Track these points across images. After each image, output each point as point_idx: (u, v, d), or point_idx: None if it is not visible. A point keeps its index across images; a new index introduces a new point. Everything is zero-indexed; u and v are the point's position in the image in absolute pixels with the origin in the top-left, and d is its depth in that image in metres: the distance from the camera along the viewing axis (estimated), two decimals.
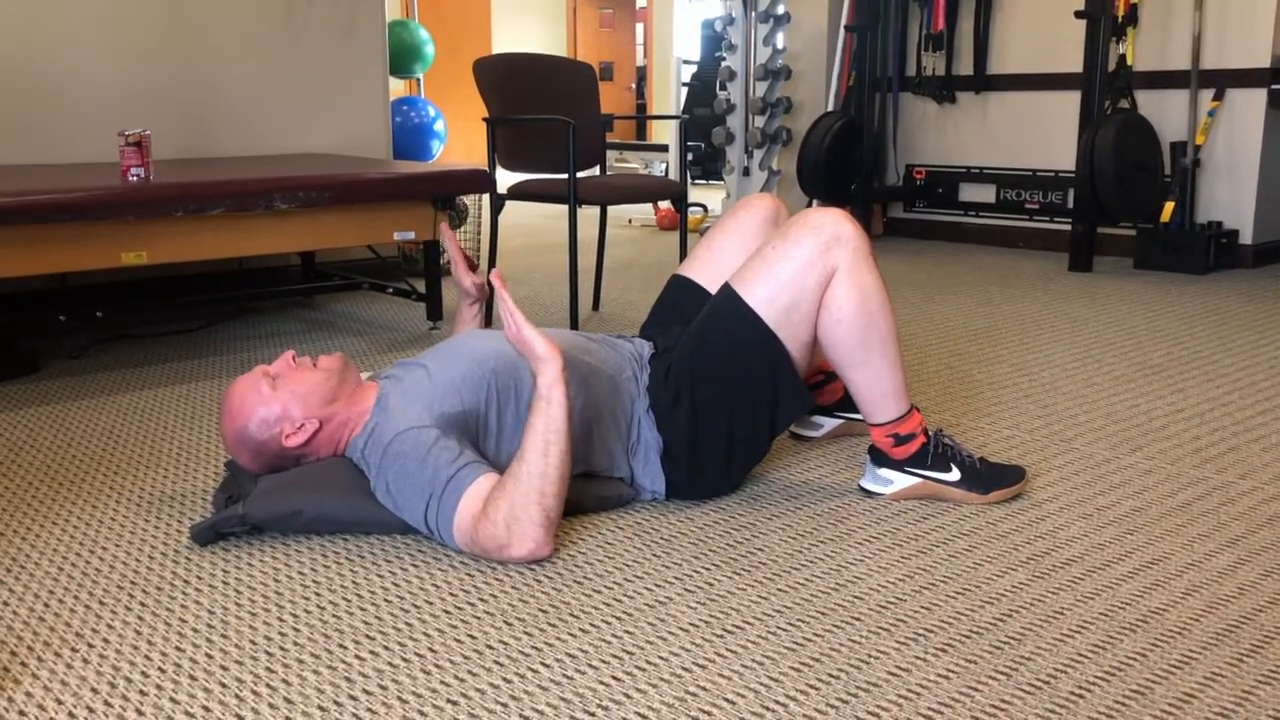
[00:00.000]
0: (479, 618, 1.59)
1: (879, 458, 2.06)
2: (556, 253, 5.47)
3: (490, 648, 1.50)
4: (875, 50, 5.73)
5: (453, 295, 4.21)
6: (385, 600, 1.64)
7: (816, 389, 2.39)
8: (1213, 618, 1.59)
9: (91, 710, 1.34)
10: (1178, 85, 4.95)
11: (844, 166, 5.61)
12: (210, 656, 1.47)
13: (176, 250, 2.96)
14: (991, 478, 2.05)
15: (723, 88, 5.95)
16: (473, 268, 2.29)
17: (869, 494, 2.08)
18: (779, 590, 1.68)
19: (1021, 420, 2.58)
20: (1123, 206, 4.74)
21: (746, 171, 5.92)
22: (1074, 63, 5.11)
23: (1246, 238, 4.91)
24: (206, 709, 1.34)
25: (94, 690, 1.39)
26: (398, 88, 7.41)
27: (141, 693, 1.38)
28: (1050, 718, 1.33)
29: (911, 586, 1.69)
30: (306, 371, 1.92)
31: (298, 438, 1.89)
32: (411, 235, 3.39)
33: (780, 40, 5.80)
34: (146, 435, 2.48)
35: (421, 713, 1.34)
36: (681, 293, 2.26)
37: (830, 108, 5.90)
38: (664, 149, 8.78)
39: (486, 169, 3.52)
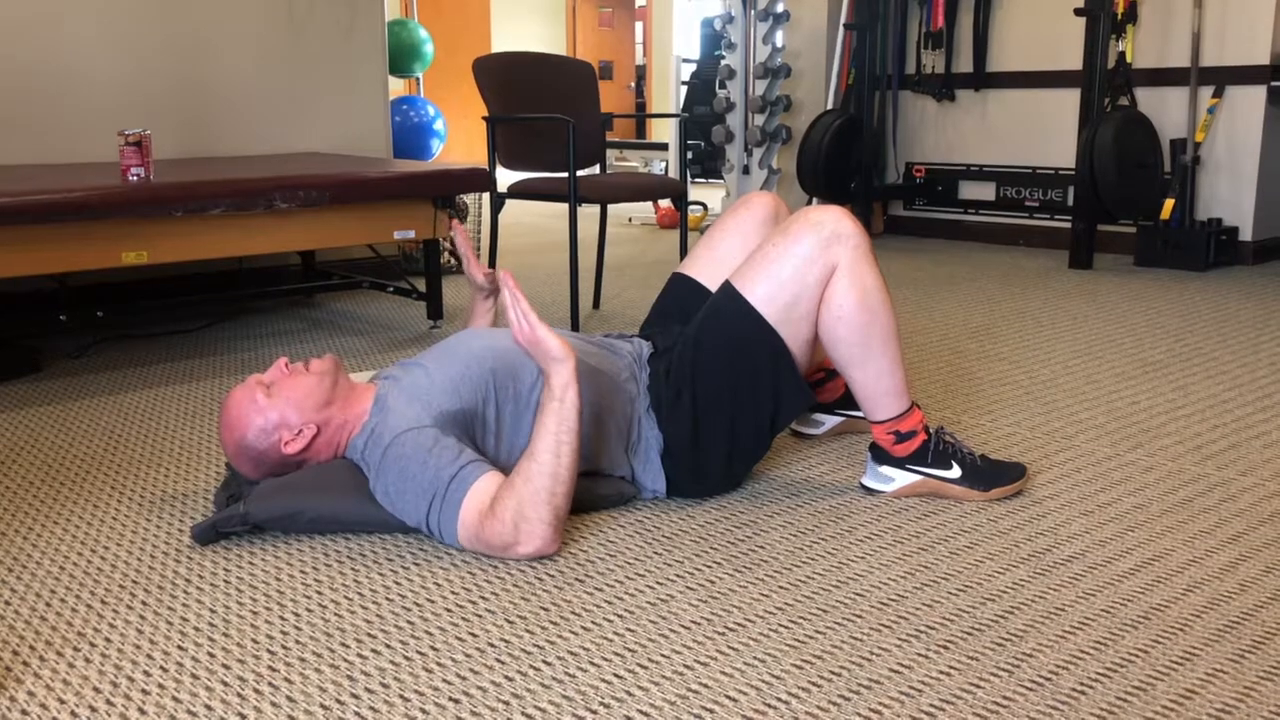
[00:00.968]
0: (480, 616, 1.59)
1: (880, 455, 2.06)
2: (556, 251, 5.47)
3: (491, 646, 1.50)
4: (875, 48, 5.73)
5: (453, 294, 4.21)
6: (387, 599, 1.64)
7: (817, 387, 2.39)
8: (1214, 614, 1.59)
9: (94, 709, 1.34)
10: (1177, 82, 4.95)
11: (844, 165, 5.61)
12: (212, 655, 1.48)
13: (177, 250, 2.96)
14: (992, 475, 2.05)
15: (722, 86, 5.95)
16: None
17: (870, 491, 2.08)
18: (780, 588, 1.68)
19: (1022, 417, 2.58)
20: (1123, 204, 4.74)
21: (746, 170, 5.92)
22: (1074, 60, 5.11)
23: (1246, 234, 4.91)
24: (209, 708, 1.35)
25: (96, 689, 1.39)
26: (397, 87, 7.41)
27: (144, 692, 1.38)
28: (1052, 714, 1.33)
29: (912, 584, 1.70)
30: (300, 377, 1.92)
31: (296, 444, 1.89)
32: (412, 234, 3.39)
33: (780, 38, 5.80)
34: (148, 435, 2.48)
35: (423, 710, 1.34)
36: (682, 291, 2.27)
37: (830, 106, 5.90)
38: (664, 147, 8.78)
39: (486, 168, 3.52)
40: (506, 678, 1.42)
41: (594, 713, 1.33)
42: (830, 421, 2.43)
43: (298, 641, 1.51)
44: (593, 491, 1.97)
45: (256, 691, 1.38)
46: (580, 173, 3.45)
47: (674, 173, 7.50)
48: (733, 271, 2.01)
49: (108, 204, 2.77)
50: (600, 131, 3.88)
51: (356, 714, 1.33)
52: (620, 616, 1.59)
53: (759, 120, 5.83)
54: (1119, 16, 4.89)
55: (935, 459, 2.03)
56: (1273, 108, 4.77)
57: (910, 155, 5.97)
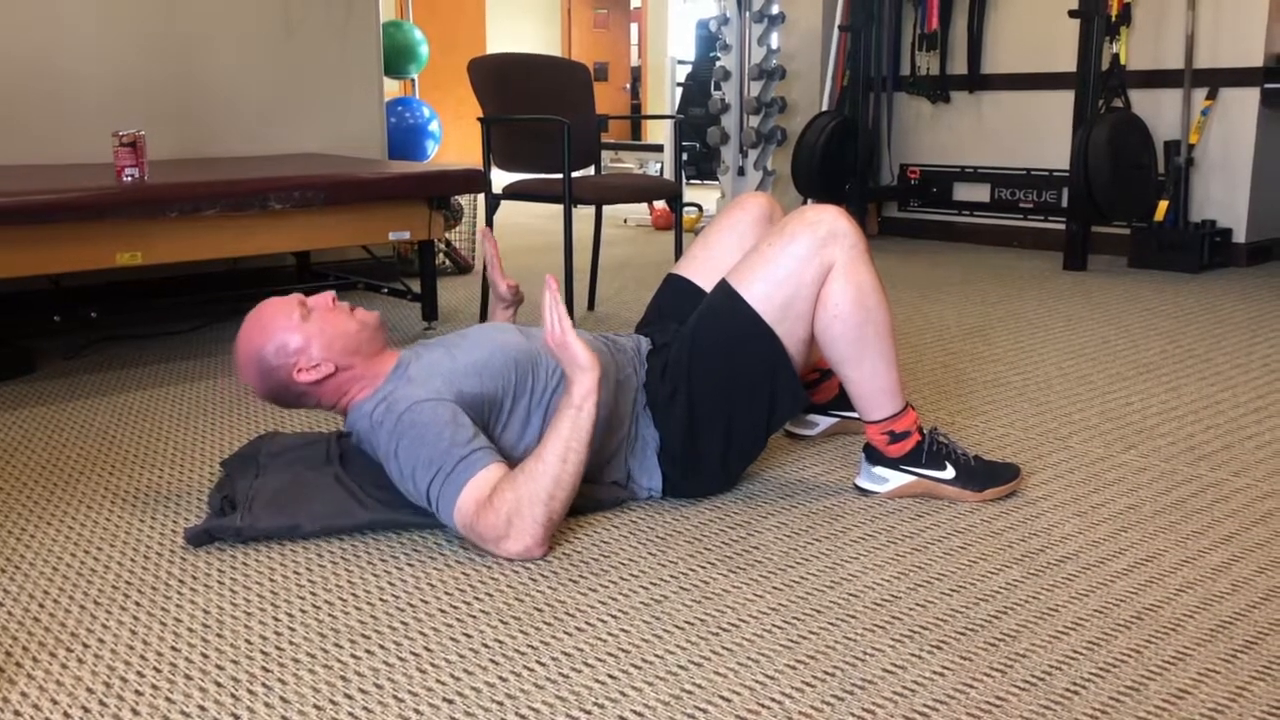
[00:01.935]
0: (474, 617, 1.59)
1: (874, 456, 2.07)
2: (552, 252, 5.47)
3: (486, 646, 1.50)
4: (869, 50, 5.74)
5: (448, 295, 4.21)
6: (381, 600, 1.64)
7: (811, 387, 2.39)
8: (1206, 614, 1.59)
9: (87, 710, 1.34)
10: (1171, 84, 4.96)
11: (839, 166, 5.61)
12: (206, 656, 1.47)
13: (171, 251, 2.96)
14: (986, 475, 2.05)
15: (717, 88, 5.95)
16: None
17: (864, 492, 2.09)
18: (774, 588, 1.68)
19: (1016, 418, 2.58)
20: (1117, 205, 4.75)
21: (741, 171, 5.92)
22: (1068, 62, 5.12)
23: (1240, 236, 4.92)
24: (202, 709, 1.34)
25: (89, 690, 1.39)
26: (392, 88, 7.40)
27: (137, 692, 1.38)
28: (1044, 714, 1.33)
29: (906, 584, 1.70)
30: (341, 316, 1.93)
31: (309, 375, 1.89)
32: (407, 235, 3.39)
33: (775, 40, 5.81)
34: (141, 435, 2.48)
35: (417, 711, 1.34)
36: (677, 292, 2.27)
37: (825, 107, 5.90)
38: (659, 149, 8.78)
39: (482, 169, 3.52)
40: (500, 678, 1.42)
41: (588, 713, 1.33)
42: (824, 422, 2.44)
43: (291, 642, 1.51)
44: (587, 495, 1.97)
45: (250, 692, 1.38)
46: (575, 174, 3.45)
47: (669, 174, 7.50)
48: (728, 271, 2.01)
49: (102, 205, 2.77)
50: (595, 133, 3.88)
51: (350, 714, 1.33)
52: (614, 617, 1.59)
53: (754, 122, 5.84)
54: (1113, 18, 4.90)
55: (929, 460, 2.03)
56: (1266, 109, 4.79)
57: (905, 157, 5.98)
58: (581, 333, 1.97)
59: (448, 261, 4.84)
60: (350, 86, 4.34)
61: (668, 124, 7.18)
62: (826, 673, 1.43)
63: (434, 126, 5.94)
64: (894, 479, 2.06)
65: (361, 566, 1.76)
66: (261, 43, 4.07)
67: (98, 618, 1.59)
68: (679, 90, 8.25)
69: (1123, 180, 4.69)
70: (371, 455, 1.90)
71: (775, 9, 5.73)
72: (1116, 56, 4.91)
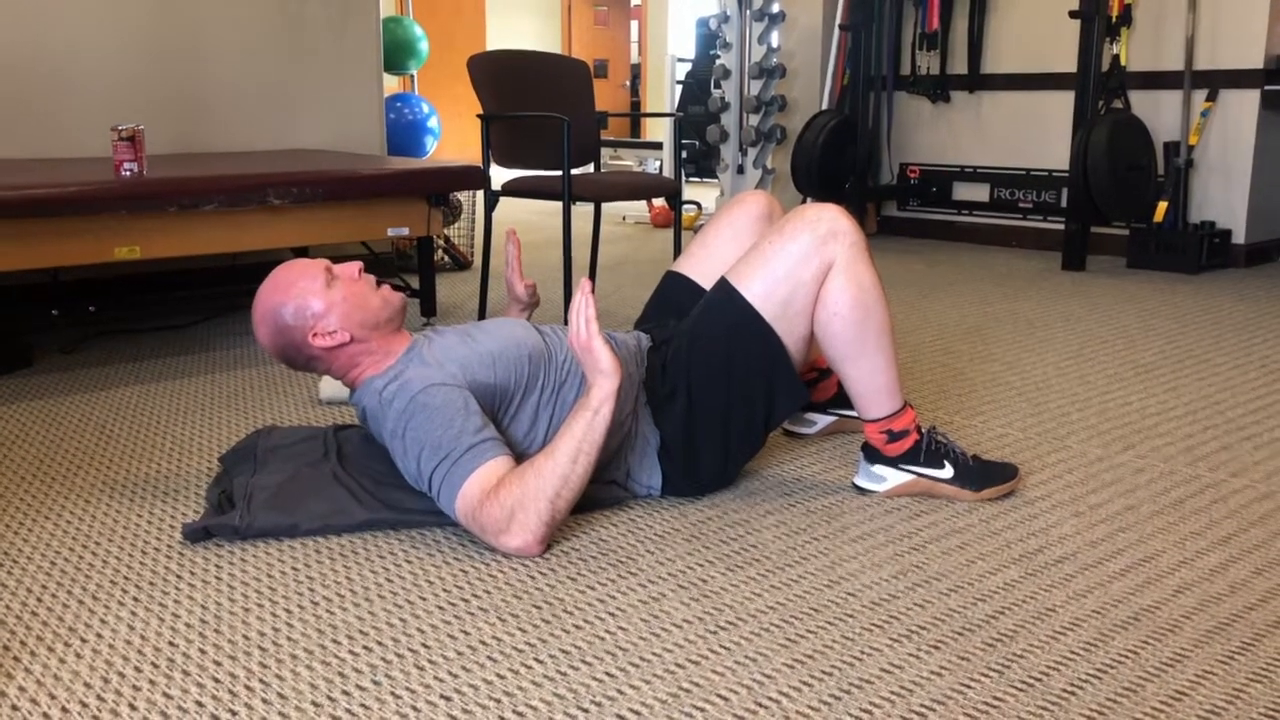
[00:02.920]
0: (472, 614, 1.59)
1: (872, 454, 2.07)
2: (550, 249, 5.46)
3: (483, 644, 1.50)
4: (870, 49, 5.73)
5: (447, 291, 4.20)
6: (379, 596, 1.64)
7: (810, 386, 2.39)
8: (1204, 615, 1.59)
9: (84, 704, 1.34)
10: (1171, 85, 4.96)
11: (838, 165, 5.61)
12: (203, 651, 1.47)
13: (169, 245, 2.95)
14: (984, 475, 2.05)
15: (717, 86, 5.95)
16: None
17: (862, 491, 2.09)
18: (772, 587, 1.68)
19: (1014, 418, 2.58)
20: (1116, 206, 4.75)
21: (741, 169, 5.92)
22: (1068, 63, 5.12)
23: (1239, 238, 4.92)
24: (199, 704, 1.34)
25: (87, 684, 1.39)
26: (391, 84, 7.39)
27: (134, 687, 1.38)
28: (1042, 715, 1.33)
29: (904, 584, 1.70)
30: (366, 288, 1.94)
31: (324, 341, 1.89)
32: (405, 231, 3.39)
33: (775, 38, 5.80)
34: (139, 429, 2.48)
35: (415, 708, 1.34)
36: (676, 289, 2.27)
37: (825, 106, 5.90)
38: (658, 146, 8.78)
39: (481, 165, 3.51)
40: (498, 675, 1.42)
41: (585, 711, 1.33)
42: (823, 421, 2.44)
43: (289, 638, 1.51)
44: (586, 494, 1.96)
45: (247, 688, 1.38)
46: (575, 171, 3.44)
47: (668, 172, 7.50)
48: (728, 269, 2.01)
49: (100, 199, 2.76)
50: (595, 130, 3.88)
51: (347, 711, 1.33)
52: (612, 615, 1.59)
53: (754, 120, 5.83)
54: (1113, 19, 4.90)
55: (928, 458, 2.03)
56: (1266, 111, 4.79)
57: (904, 156, 5.97)
58: (611, 342, 1.96)
59: (446, 258, 4.84)
60: (350, 82, 4.33)
61: (667, 122, 7.18)
62: (824, 672, 1.43)
63: (433, 123, 5.94)
64: (892, 478, 2.06)
65: (359, 563, 1.76)
66: (261, 37, 4.07)
67: (95, 612, 1.58)
68: (679, 88, 8.24)
69: (1122, 181, 4.69)
70: (376, 433, 1.90)
71: (775, 7, 5.72)
72: (1117, 57, 4.91)
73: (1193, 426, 2.52)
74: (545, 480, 1.73)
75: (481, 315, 3.68)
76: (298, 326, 1.89)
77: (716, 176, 6.19)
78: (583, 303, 1.79)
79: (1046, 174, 5.44)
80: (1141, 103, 5.02)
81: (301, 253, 4.10)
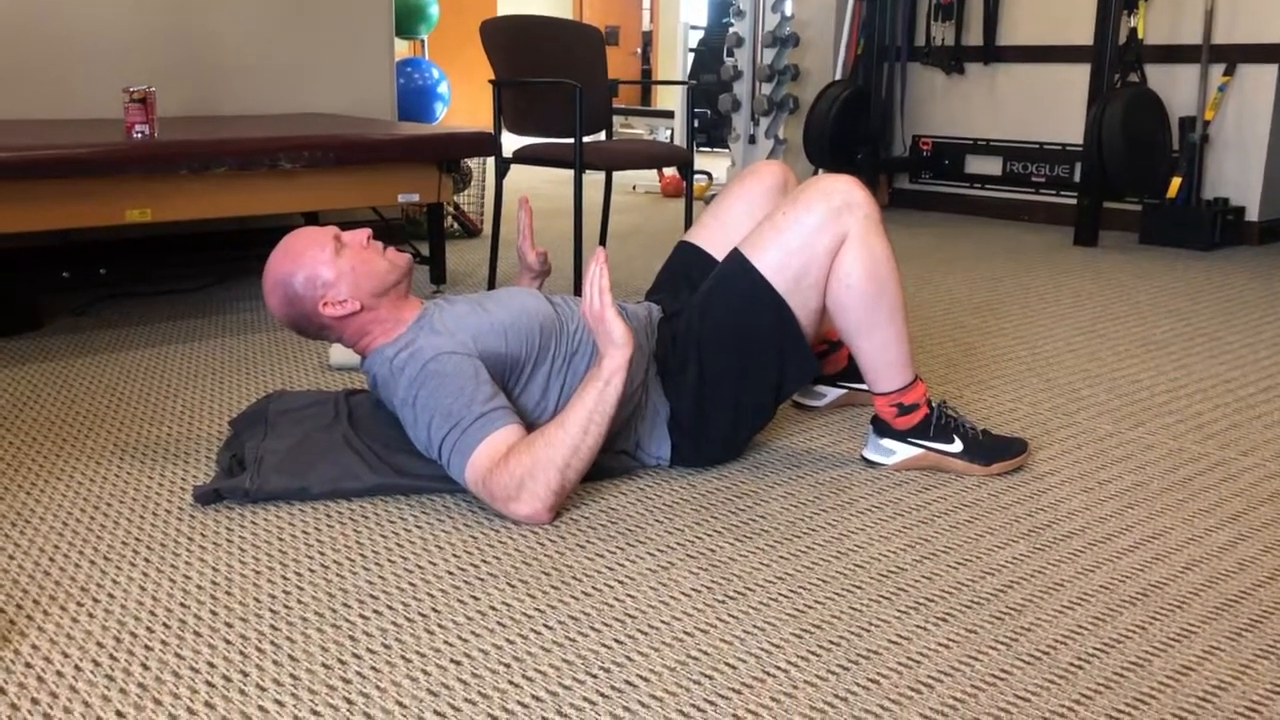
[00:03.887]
0: (482, 579, 1.59)
1: (882, 428, 2.07)
2: (561, 218, 5.45)
3: (493, 609, 1.51)
4: (884, 19, 5.69)
5: (457, 259, 4.20)
6: (389, 560, 1.65)
7: (821, 358, 2.38)
8: (1212, 592, 1.59)
9: (97, 663, 1.35)
10: (1188, 60, 4.92)
11: (850, 136, 5.58)
12: (214, 614, 1.48)
13: (180, 208, 2.95)
14: (994, 450, 2.05)
15: (730, 54, 5.91)
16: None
17: (871, 464, 2.09)
18: (780, 557, 1.69)
19: (1024, 393, 2.58)
20: (1129, 181, 4.72)
21: (752, 139, 5.89)
22: (1084, 35, 5.07)
23: (1253, 214, 4.89)
24: (211, 665, 1.35)
25: (99, 644, 1.40)
26: (401, 49, 7.34)
27: (146, 648, 1.39)
28: (1049, 688, 1.34)
29: (912, 556, 1.70)
30: (374, 255, 1.94)
31: (334, 310, 1.89)
32: (416, 197, 3.38)
33: (789, 7, 5.75)
34: (150, 392, 2.48)
35: (425, 672, 1.35)
36: (688, 259, 2.26)
37: (838, 76, 5.86)
38: (669, 115, 8.73)
39: (492, 132, 3.50)
40: (507, 640, 1.42)
41: (594, 676, 1.34)
42: (833, 394, 2.43)
43: (299, 601, 1.52)
44: (596, 463, 1.96)
45: (259, 650, 1.39)
46: (586, 139, 3.43)
47: (680, 140, 7.46)
48: (741, 240, 2.00)
49: (112, 161, 2.76)
50: (607, 97, 3.85)
51: (358, 673, 1.34)
52: (621, 582, 1.59)
53: (766, 89, 5.80)
54: None
55: (937, 433, 2.03)
56: None
57: (917, 128, 5.94)
58: (624, 313, 1.95)
59: (456, 225, 4.83)
60: (361, 46, 4.31)
61: (679, 90, 7.14)
62: (832, 642, 1.44)
63: (443, 88, 5.91)
64: (901, 451, 2.06)
65: (370, 528, 1.77)
66: (273, 1, 4.04)
67: (107, 573, 1.59)
68: (691, 56, 8.18)
69: (1136, 156, 4.66)
70: (386, 401, 1.91)
71: None
72: (1134, 30, 4.86)
73: (1203, 404, 2.51)
74: (555, 449, 1.73)
75: (491, 283, 3.68)
76: (308, 296, 1.90)
77: (727, 146, 6.16)
78: (597, 272, 1.78)
79: (1060, 148, 5.41)
80: (1158, 77, 4.97)
81: (312, 218, 4.09)
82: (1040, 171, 5.50)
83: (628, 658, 1.39)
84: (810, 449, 2.18)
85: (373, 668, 1.35)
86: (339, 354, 2.67)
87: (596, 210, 5.42)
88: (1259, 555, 1.72)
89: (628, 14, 13.21)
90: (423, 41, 6.51)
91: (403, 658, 1.38)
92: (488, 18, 3.68)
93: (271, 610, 1.49)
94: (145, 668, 1.34)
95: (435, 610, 1.50)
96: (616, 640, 1.43)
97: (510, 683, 1.33)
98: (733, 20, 5.90)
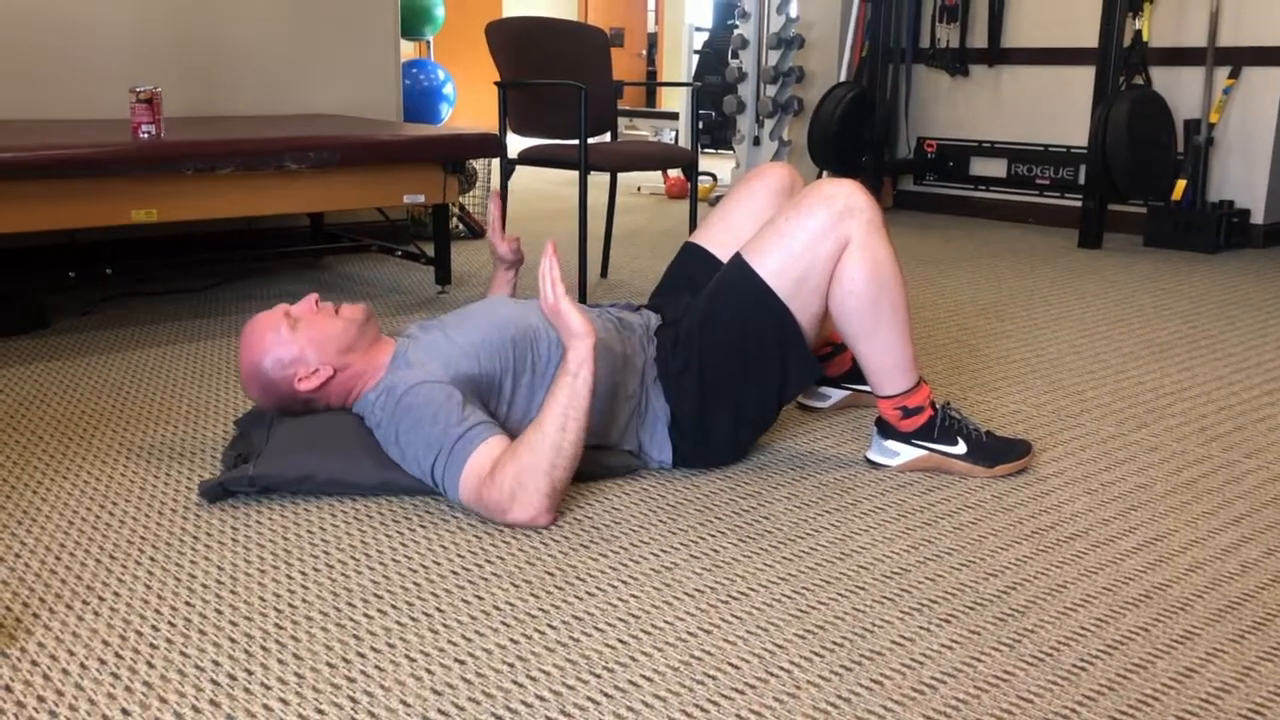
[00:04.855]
0: (486, 579, 1.60)
1: (886, 430, 2.07)
2: (565, 219, 5.46)
3: (497, 609, 1.51)
4: (889, 21, 5.69)
5: (461, 260, 4.21)
6: (393, 560, 1.66)
7: (825, 360, 2.39)
8: (1215, 594, 1.60)
9: (103, 661, 1.36)
10: (1194, 62, 4.91)
11: (855, 138, 5.58)
12: (220, 612, 1.49)
13: (186, 209, 2.96)
14: (997, 452, 2.05)
15: (735, 56, 5.91)
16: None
17: (875, 465, 2.09)
18: (784, 558, 1.69)
19: (1028, 395, 2.58)
20: (1134, 183, 4.71)
21: (757, 141, 5.89)
22: (1089, 37, 5.07)
23: (1258, 217, 4.88)
24: (216, 663, 1.36)
25: (105, 642, 1.40)
26: (407, 50, 7.35)
27: (152, 645, 1.40)
28: (1052, 689, 1.34)
29: (916, 558, 1.70)
30: (327, 318, 1.94)
31: (310, 382, 1.90)
32: (421, 198, 3.39)
33: (794, 9, 5.76)
34: (156, 392, 2.49)
35: (429, 670, 1.35)
36: (693, 261, 2.26)
37: (842, 78, 5.86)
38: (674, 116, 8.74)
39: (497, 133, 3.50)
40: (512, 640, 1.43)
41: (598, 676, 1.35)
42: (836, 395, 2.44)
43: (304, 600, 1.53)
44: (599, 462, 1.97)
45: (263, 648, 1.40)
46: (591, 140, 3.43)
47: (684, 142, 7.47)
48: (743, 244, 2.00)
49: (118, 161, 2.77)
50: (612, 99, 3.86)
51: (362, 672, 1.35)
52: (625, 583, 1.60)
53: (771, 91, 5.80)
54: None
55: (941, 434, 2.03)
56: None
57: (922, 130, 5.94)
58: (581, 306, 1.96)
59: (461, 226, 4.84)
60: (367, 48, 4.31)
61: (684, 92, 7.14)
62: (835, 643, 1.44)
63: (448, 89, 5.92)
64: (905, 453, 2.06)
65: (374, 527, 1.77)
66: (280, 2, 4.05)
67: (113, 571, 1.60)
68: (696, 57, 8.19)
69: (1141, 158, 4.66)
70: (381, 442, 1.91)
71: None
72: (1139, 33, 4.86)
73: (1207, 407, 2.51)
74: (538, 453, 1.73)
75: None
76: (281, 379, 1.91)
77: (732, 148, 6.17)
78: (548, 266, 1.79)
79: (1065, 150, 5.40)
80: (1163, 79, 4.97)
81: (317, 219, 4.10)
82: (1045, 174, 5.50)
83: (631, 658, 1.39)
84: (814, 450, 2.19)
85: (377, 667, 1.36)
86: None
87: (601, 212, 5.43)
88: (1262, 558, 1.72)
89: (633, 15, 13.22)
90: (428, 43, 6.51)
91: (407, 657, 1.38)
92: (493, 19, 3.69)
93: (276, 609, 1.50)
94: (150, 666, 1.35)
95: (439, 610, 1.51)
96: (620, 640, 1.43)
97: (514, 682, 1.33)
98: (737, 22, 5.90)
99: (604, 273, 4.02)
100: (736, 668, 1.37)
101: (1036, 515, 1.88)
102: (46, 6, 3.55)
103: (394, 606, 1.51)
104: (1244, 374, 2.79)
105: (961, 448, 2.03)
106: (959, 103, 5.78)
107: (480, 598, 1.54)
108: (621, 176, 4.26)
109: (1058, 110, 5.41)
